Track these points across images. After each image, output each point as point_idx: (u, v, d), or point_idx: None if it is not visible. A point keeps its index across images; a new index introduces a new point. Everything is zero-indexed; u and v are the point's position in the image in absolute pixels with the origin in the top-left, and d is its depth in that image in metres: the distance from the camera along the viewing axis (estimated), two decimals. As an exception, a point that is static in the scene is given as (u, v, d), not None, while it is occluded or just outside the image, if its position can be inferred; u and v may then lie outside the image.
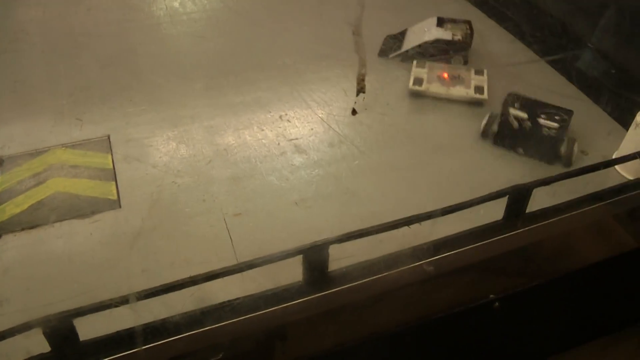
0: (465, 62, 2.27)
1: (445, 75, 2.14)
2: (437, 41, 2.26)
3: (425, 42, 2.26)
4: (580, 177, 1.56)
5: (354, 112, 1.91)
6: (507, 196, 1.48)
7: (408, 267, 1.37)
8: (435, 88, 2.09)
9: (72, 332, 1.05)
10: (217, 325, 1.15)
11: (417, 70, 2.16)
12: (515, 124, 1.85)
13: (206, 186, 1.70)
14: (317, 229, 1.56)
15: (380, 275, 1.33)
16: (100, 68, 2.22)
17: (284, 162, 1.79)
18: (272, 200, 1.66)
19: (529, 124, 1.85)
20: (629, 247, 1.69)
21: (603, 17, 2.29)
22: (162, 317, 1.09)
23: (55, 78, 2.16)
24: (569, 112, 1.87)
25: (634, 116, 1.81)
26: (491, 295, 1.43)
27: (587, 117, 2.03)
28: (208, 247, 1.54)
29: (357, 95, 1.74)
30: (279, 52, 2.31)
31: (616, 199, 1.57)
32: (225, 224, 1.58)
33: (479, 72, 2.16)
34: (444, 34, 2.28)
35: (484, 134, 1.89)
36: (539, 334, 1.61)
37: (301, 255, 1.25)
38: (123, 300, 1.04)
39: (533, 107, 1.88)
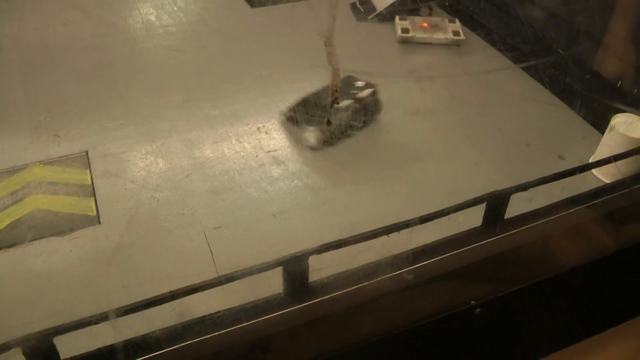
0: (430, 14, 2.66)
1: (425, 24, 2.56)
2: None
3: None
4: (557, 182, 1.58)
5: (328, 123, 1.91)
6: (485, 202, 1.50)
7: (388, 275, 1.38)
8: (421, 34, 2.50)
9: (53, 351, 1.04)
10: (198, 339, 1.15)
11: (402, 23, 2.56)
12: None
13: (185, 200, 1.70)
14: (297, 240, 1.56)
15: (361, 285, 1.34)
16: (77, 83, 2.21)
17: (262, 174, 1.79)
18: (252, 213, 1.66)
19: None
20: (609, 250, 1.71)
21: (576, 22, 2.33)
22: (143, 332, 1.09)
23: (32, 94, 2.14)
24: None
25: (608, 120, 1.84)
26: (472, 302, 1.44)
27: (563, 122, 2.05)
28: (188, 261, 1.53)
29: (331, 106, 1.76)
30: (255, 64, 2.32)
31: (594, 202, 1.59)
32: (205, 238, 1.58)
33: (451, 21, 2.60)
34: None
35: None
36: (522, 339, 1.62)
37: (281, 267, 1.26)
38: (103, 317, 1.04)
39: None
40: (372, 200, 1.71)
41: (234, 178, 1.77)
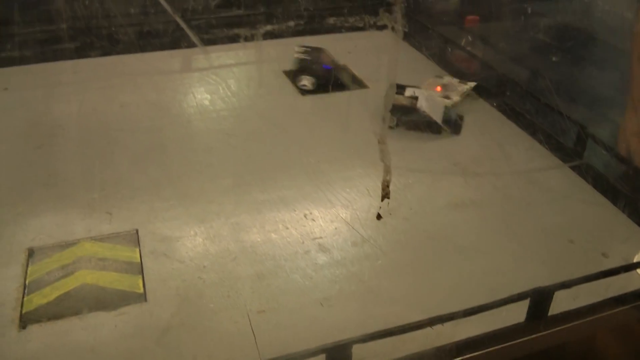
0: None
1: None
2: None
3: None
4: (601, 280, 1.57)
5: (379, 217, 1.95)
6: (529, 298, 1.50)
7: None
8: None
9: None
10: None
11: None
12: None
13: (231, 282, 1.72)
14: (340, 328, 1.56)
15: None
16: (131, 163, 2.29)
17: (308, 260, 1.81)
18: (296, 299, 1.67)
19: None
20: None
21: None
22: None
23: (88, 172, 2.22)
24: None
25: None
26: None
27: (607, 220, 2.05)
28: (231, 344, 1.54)
29: (382, 200, 1.79)
30: (303, 152, 2.37)
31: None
32: (249, 321, 1.59)
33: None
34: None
35: None
36: None
37: (324, 354, 1.26)
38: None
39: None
40: (416, 291, 1.71)
41: (279, 263, 1.79)
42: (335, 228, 1.94)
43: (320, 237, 1.90)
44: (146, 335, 1.56)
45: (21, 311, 1.62)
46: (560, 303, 1.55)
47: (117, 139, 2.45)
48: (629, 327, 1.76)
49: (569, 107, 2.40)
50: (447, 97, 2.65)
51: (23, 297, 1.67)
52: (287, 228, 1.94)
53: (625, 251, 1.88)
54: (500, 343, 1.49)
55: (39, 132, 2.47)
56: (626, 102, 2.35)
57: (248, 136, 2.49)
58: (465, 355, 1.45)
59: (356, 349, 1.35)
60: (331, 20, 3.66)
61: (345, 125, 2.55)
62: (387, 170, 1.82)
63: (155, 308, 1.64)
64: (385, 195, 1.86)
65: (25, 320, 1.60)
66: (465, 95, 2.73)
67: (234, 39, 3.39)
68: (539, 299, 1.51)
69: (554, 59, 2.90)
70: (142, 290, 1.70)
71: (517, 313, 1.53)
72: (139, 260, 1.81)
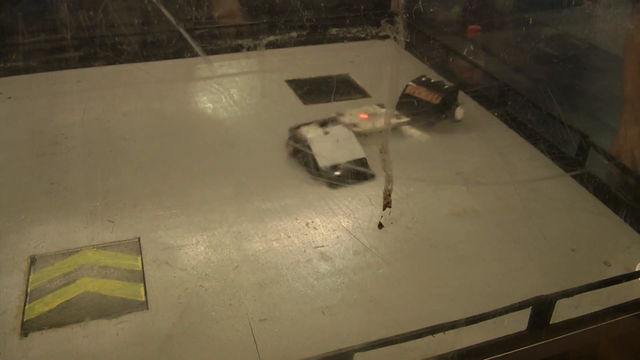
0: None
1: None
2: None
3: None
4: (603, 289, 1.58)
5: (380, 226, 1.95)
6: (531, 307, 1.50)
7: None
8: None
9: None
10: None
11: None
12: None
13: (233, 291, 1.72)
14: (342, 336, 1.56)
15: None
16: (133, 172, 2.29)
17: (309, 269, 1.81)
18: (298, 307, 1.67)
19: None
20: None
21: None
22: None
23: (91, 180, 2.23)
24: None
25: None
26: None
27: (609, 228, 2.05)
28: (233, 352, 1.54)
29: (384, 209, 1.80)
30: (305, 160, 2.37)
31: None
32: (251, 329, 1.59)
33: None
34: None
35: None
36: None
37: (326, 363, 1.26)
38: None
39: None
40: (418, 300, 1.71)
41: (281, 272, 1.79)
42: (337, 237, 1.94)
43: (322, 246, 1.90)
44: (148, 344, 1.56)
45: (23, 319, 1.62)
46: (562, 312, 1.55)
47: (120, 147, 2.46)
48: (631, 336, 1.76)
49: (571, 116, 2.40)
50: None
51: (25, 305, 1.67)
52: (289, 237, 1.94)
53: (627, 260, 1.88)
54: (502, 351, 1.49)
55: (42, 141, 2.48)
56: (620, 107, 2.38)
57: (250, 145, 2.50)
58: (467, 363, 1.46)
59: (358, 358, 1.35)
60: (333, 31, 3.67)
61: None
62: (389, 179, 1.82)
63: (157, 316, 1.64)
64: (387, 204, 1.86)
65: (26, 328, 1.60)
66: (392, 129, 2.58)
67: (237, 49, 3.41)
68: (541, 307, 1.51)
69: (555, 68, 2.90)
70: (143, 299, 1.70)
71: (518, 321, 1.53)
72: (140, 268, 1.81)
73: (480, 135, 2.63)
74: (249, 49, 3.38)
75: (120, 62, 3.20)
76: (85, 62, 3.15)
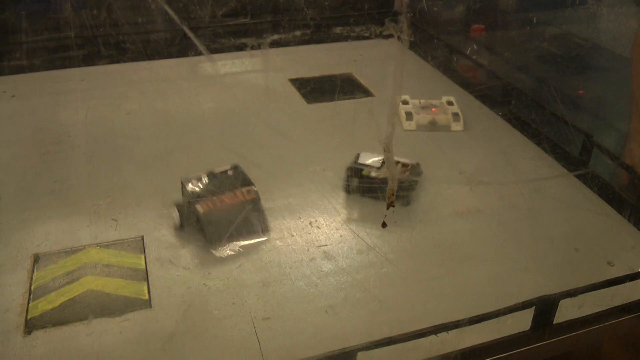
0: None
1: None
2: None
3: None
4: (607, 289, 1.57)
5: (384, 225, 1.95)
6: (534, 307, 1.50)
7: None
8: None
9: None
10: None
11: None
12: None
13: (236, 289, 1.72)
14: (345, 335, 1.56)
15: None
16: (137, 170, 2.30)
17: (313, 268, 1.81)
18: (301, 306, 1.67)
19: None
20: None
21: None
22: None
23: (94, 179, 2.23)
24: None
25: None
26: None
27: (613, 228, 2.05)
28: (236, 351, 1.54)
29: (388, 208, 1.79)
30: (308, 159, 2.38)
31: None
32: (254, 328, 1.59)
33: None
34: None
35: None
36: None
37: (328, 362, 1.26)
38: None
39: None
40: (422, 299, 1.71)
41: (284, 270, 1.79)
42: (341, 236, 1.94)
43: (326, 245, 1.90)
44: (151, 342, 1.56)
45: (26, 317, 1.63)
46: (566, 311, 1.55)
47: (123, 146, 2.46)
48: (634, 336, 1.75)
49: (574, 116, 2.40)
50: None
51: (28, 303, 1.67)
52: (293, 235, 1.94)
53: (630, 260, 1.88)
54: (505, 351, 1.49)
55: (45, 139, 2.48)
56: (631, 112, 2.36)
57: (253, 144, 2.50)
58: (469, 362, 1.46)
59: (361, 357, 1.35)
60: (337, 30, 3.67)
61: (351, 133, 2.56)
62: (393, 179, 1.82)
63: (160, 314, 1.64)
64: (391, 203, 1.86)
65: (30, 326, 1.60)
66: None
67: (240, 48, 3.41)
68: (544, 307, 1.51)
69: (559, 67, 2.90)
70: (147, 297, 1.71)
71: (522, 321, 1.53)
72: (144, 266, 1.81)
73: (483, 134, 2.62)
74: (252, 48, 3.38)
75: (124, 61, 3.20)
76: (88, 60, 3.16)
